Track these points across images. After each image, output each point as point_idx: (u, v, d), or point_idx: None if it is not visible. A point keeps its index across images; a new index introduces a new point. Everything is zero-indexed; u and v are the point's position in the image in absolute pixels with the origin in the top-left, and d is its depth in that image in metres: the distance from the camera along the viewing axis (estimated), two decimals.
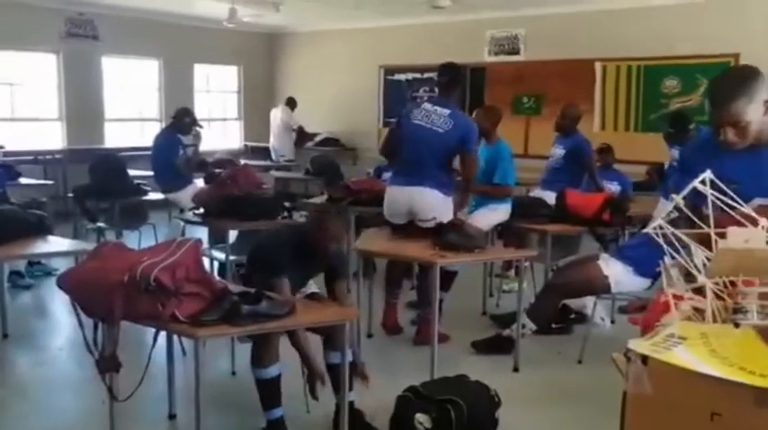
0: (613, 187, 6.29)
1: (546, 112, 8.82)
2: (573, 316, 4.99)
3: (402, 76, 10.76)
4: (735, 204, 1.49)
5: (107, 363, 2.74)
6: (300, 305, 3.05)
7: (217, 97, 12.03)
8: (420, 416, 3.19)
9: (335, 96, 11.22)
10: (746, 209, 1.51)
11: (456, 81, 4.71)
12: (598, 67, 8.79)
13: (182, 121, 7.07)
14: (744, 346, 1.22)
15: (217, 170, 7.09)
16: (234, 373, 4.01)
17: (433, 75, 10.13)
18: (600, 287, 4.08)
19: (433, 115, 4.49)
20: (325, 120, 11.28)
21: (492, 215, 5.27)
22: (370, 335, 4.54)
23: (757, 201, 2.13)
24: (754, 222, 1.43)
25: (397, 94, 10.78)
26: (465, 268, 4.85)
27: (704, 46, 7.97)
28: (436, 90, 4.73)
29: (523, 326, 4.22)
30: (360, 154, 10.86)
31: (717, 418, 1.16)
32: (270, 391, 3.19)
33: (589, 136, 6.91)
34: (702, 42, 7.96)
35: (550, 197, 5.49)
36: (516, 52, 9.60)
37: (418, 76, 10.55)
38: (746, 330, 1.27)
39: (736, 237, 1.36)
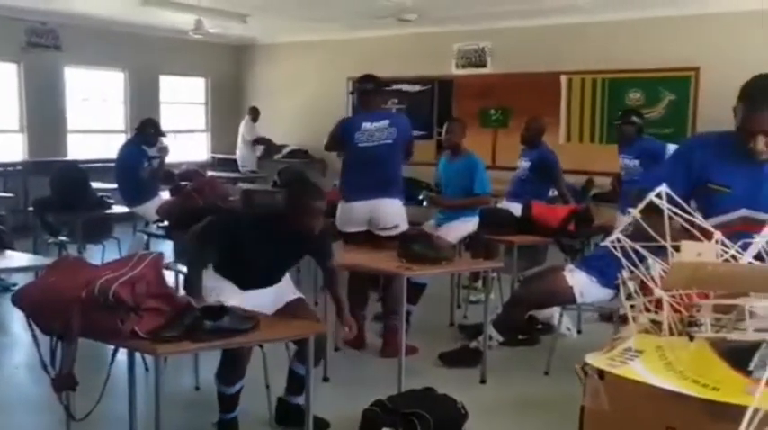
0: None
1: (513, 125, 8.89)
2: (539, 326, 5.02)
3: None
4: (691, 218, 1.51)
5: (63, 382, 2.66)
6: (266, 320, 3.01)
7: (183, 109, 11.92)
8: None
9: (304, 108, 11.19)
10: (702, 221, 1.53)
11: (378, 90, 4.85)
12: (563, 80, 8.89)
13: (146, 133, 6.97)
14: (698, 359, 1.23)
15: (183, 182, 7.01)
16: (197, 388, 3.94)
17: (402, 87, 10.36)
18: (565, 297, 4.12)
19: (376, 132, 4.58)
20: (293, 132, 11.24)
21: (462, 227, 5.30)
22: (336, 349, 4.50)
23: (743, 212, 2.14)
24: (709, 235, 1.45)
25: None
26: (433, 279, 4.85)
27: (666, 60, 8.12)
28: (357, 100, 4.77)
29: (490, 338, 4.23)
30: (329, 165, 10.81)
31: None
32: (230, 402, 3.29)
33: (555, 148, 6.97)
34: (664, 56, 8.12)
35: (517, 208, 5.53)
36: (483, 65, 9.68)
37: (387, 87, 10.56)
38: (700, 343, 1.28)
39: (690, 251, 1.37)
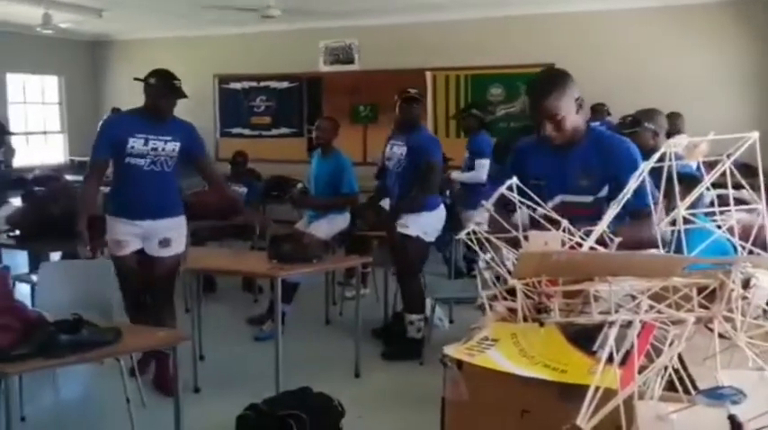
0: None
1: (382, 120, 9.00)
2: None
3: (238, 85, 10.56)
4: (538, 207, 1.58)
5: None
6: (127, 329, 2.87)
7: (36, 109, 11.14)
8: None
9: None
10: (548, 210, 1.60)
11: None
12: (428, 76, 9.11)
13: None
14: (548, 344, 1.29)
15: (36, 188, 6.57)
16: (58, 410, 3.70)
17: (270, 83, 10.23)
18: None
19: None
20: None
21: (333, 224, 5.28)
22: (201, 358, 4.33)
23: (560, 198, 2.31)
24: (557, 223, 1.52)
25: (234, 102, 10.56)
26: (308, 277, 4.82)
27: (523, 56, 8.50)
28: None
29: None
30: None
31: (526, 415, 1.22)
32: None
33: None
34: (522, 53, 8.50)
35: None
36: (351, 62, 9.73)
37: (254, 84, 10.41)
38: (551, 328, 1.35)
39: (537, 240, 1.44)
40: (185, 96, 3.90)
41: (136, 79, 3.89)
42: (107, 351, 2.68)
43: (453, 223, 5.24)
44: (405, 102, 4.71)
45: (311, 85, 10.03)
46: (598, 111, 7.58)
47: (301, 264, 3.99)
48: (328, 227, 5.23)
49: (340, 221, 5.31)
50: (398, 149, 4.67)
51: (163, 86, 3.85)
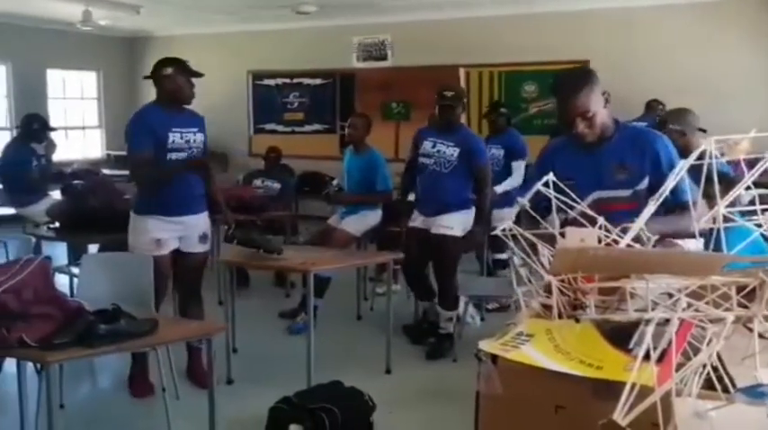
0: None
1: (414, 117, 9.00)
2: None
3: (271, 81, 10.65)
4: (574, 204, 1.57)
5: None
6: (164, 321, 2.92)
7: (74, 104, 11.36)
8: (294, 427, 3.16)
9: (204, 102, 10.80)
10: (585, 207, 1.59)
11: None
12: (462, 72, 9.07)
13: (30, 129, 6.59)
14: (583, 340, 1.28)
15: (75, 181, 6.70)
16: (97, 398, 3.78)
17: (303, 80, 10.30)
18: None
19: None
20: None
21: (363, 220, 5.30)
22: (234, 350, 4.38)
23: (595, 195, 2.29)
24: (593, 221, 1.52)
25: (268, 99, 10.65)
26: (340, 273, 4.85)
27: (558, 53, 8.43)
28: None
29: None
30: (231, 160, 10.61)
31: (560, 411, 1.22)
32: None
33: None
34: (556, 50, 8.42)
35: None
36: (384, 58, 9.74)
37: (288, 80, 10.48)
38: (586, 324, 1.34)
39: (573, 236, 1.43)
40: (201, 75, 3.97)
41: (146, 77, 3.87)
42: (144, 341, 2.73)
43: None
44: (447, 104, 4.59)
45: (344, 82, 10.06)
46: (653, 107, 7.38)
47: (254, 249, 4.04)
48: (360, 222, 5.25)
49: (371, 218, 5.32)
50: (448, 150, 4.50)
51: (181, 70, 3.87)
